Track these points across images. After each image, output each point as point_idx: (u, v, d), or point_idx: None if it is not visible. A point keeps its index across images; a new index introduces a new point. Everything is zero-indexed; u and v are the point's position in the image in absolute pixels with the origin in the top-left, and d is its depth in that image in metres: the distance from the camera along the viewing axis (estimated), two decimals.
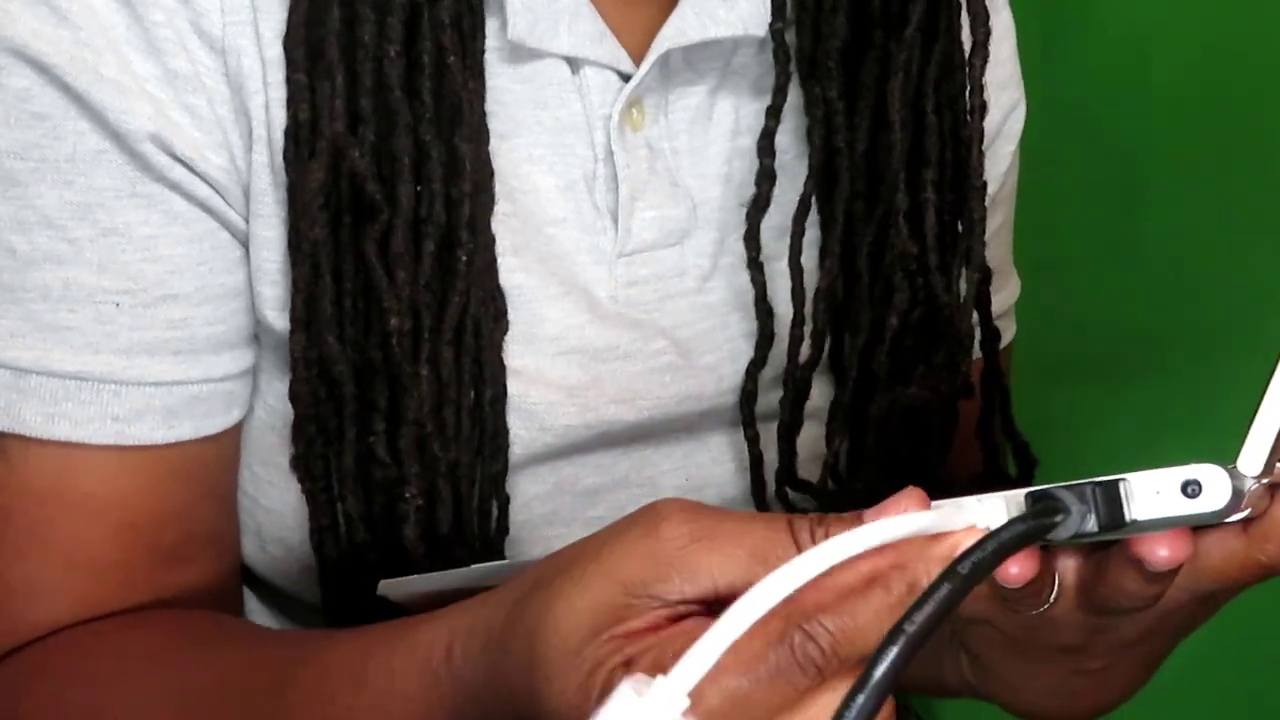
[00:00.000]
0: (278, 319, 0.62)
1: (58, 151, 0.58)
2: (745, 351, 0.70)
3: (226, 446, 0.64)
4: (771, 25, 0.68)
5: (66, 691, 0.61)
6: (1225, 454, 1.07)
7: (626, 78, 0.66)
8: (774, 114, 0.69)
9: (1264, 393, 0.48)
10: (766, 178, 0.69)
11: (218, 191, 0.61)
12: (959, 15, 0.68)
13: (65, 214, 0.59)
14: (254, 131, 0.61)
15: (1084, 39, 1.13)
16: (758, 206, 0.69)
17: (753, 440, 0.70)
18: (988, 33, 0.68)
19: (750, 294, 0.70)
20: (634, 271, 0.67)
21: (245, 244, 0.62)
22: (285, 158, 0.60)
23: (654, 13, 0.66)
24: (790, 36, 0.69)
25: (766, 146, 0.69)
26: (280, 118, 0.60)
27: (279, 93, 0.60)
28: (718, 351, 0.70)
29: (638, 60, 0.66)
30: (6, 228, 0.59)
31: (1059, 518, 0.45)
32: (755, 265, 0.69)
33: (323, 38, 0.60)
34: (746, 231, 0.69)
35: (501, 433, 0.64)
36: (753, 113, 0.70)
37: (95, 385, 0.60)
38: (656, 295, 0.68)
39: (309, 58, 0.60)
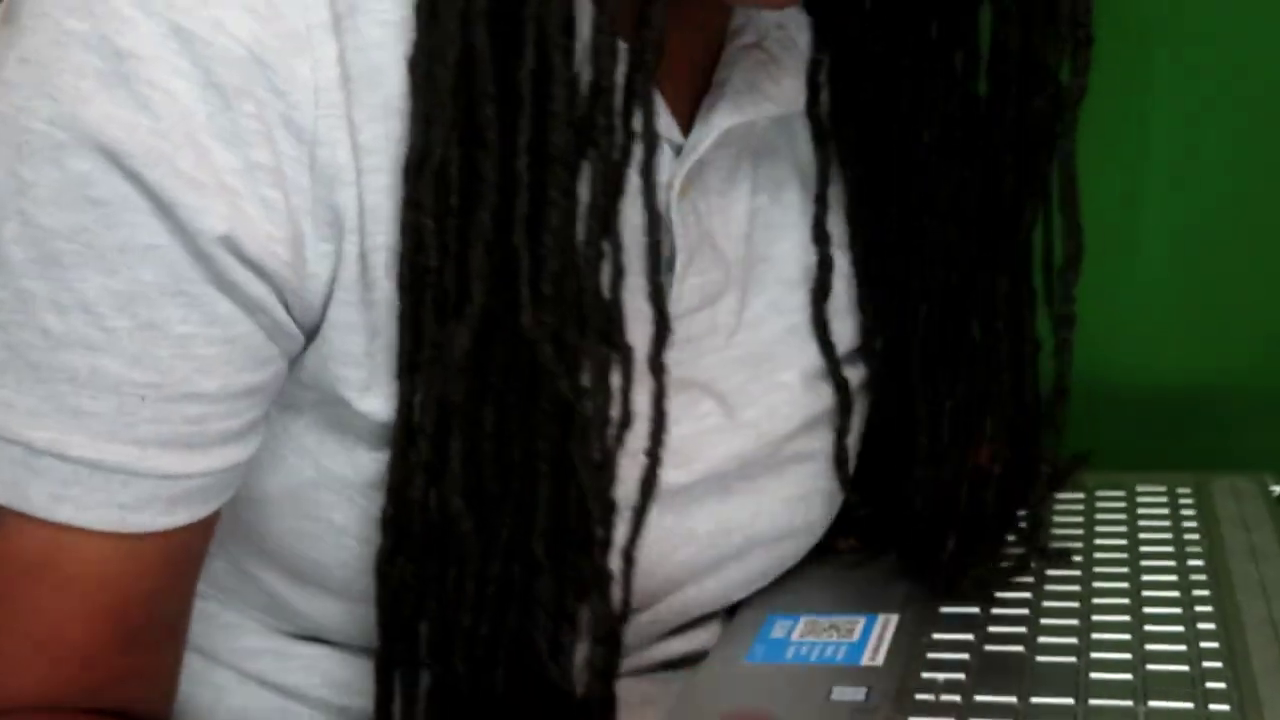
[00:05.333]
0: (359, 398, 0.62)
1: (107, 240, 0.56)
2: (779, 405, 0.73)
3: (210, 528, 0.64)
4: (808, 108, 0.71)
5: None
6: (1221, 452, 1.07)
7: (675, 148, 0.68)
8: (821, 200, 0.72)
9: None
10: (826, 267, 0.73)
11: (275, 289, 0.59)
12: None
13: (105, 302, 0.56)
14: (344, 224, 0.59)
15: None
16: (822, 292, 0.71)
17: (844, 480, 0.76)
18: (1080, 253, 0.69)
19: (770, 347, 0.73)
20: (677, 333, 0.68)
21: (285, 339, 0.61)
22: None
23: (700, 86, 0.69)
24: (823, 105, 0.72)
25: (821, 235, 0.73)
26: (378, 205, 0.59)
27: (376, 179, 0.59)
28: (755, 406, 0.72)
29: (684, 131, 0.68)
30: (42, 306, 0.56)
31: None
32: (826, 344, 0.72)
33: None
34: (814, 316, 0.71)
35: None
36: (766, 170, 0.73)
37: (106, 474, 0.58)
38: (692, 355, 0.70)
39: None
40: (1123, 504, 0.88)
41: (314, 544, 0.66)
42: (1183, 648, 0.69)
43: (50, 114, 0.55)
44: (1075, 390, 0.71)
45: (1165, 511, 0.86)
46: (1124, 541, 0.83)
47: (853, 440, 0.77)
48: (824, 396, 0.75)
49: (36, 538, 0.59)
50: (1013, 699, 0.66)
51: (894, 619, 0.74)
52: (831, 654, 0.71)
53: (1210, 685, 0.66)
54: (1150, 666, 0.68)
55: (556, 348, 0.58)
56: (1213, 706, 0.64)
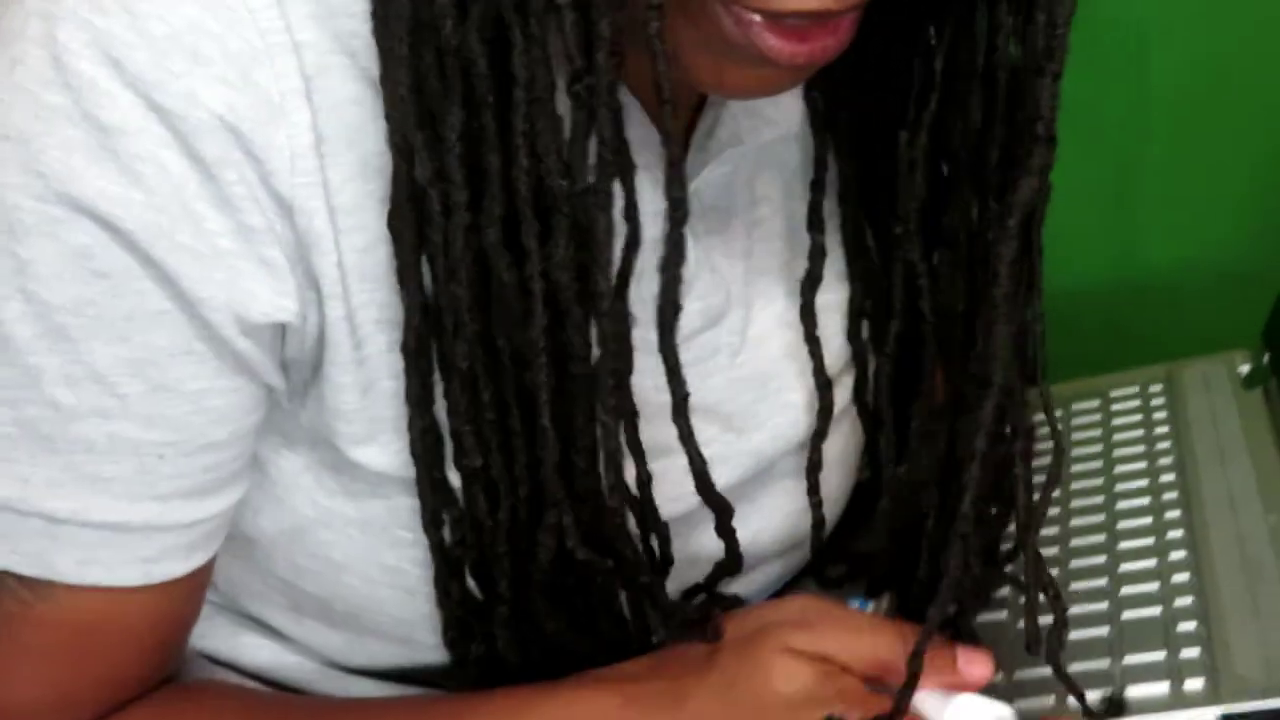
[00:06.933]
0: (353, 449, 0.62)
1: (115, 309, 0.56)
2: (784, 426, 0.72)
3: (215, 556, 0.65)
4: (806, 93, 0.69)
5: None
6: (1196, 336, 1.05)
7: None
8: (818, 187, 0.71)
9: None
10: (819, 253, 0.72)
11: (269, 351, 0.59)
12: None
13: (117, 370, 0.56)
14: (323, 289, 0.58)
15: (1084, 39, 1.13)
16: (811, 282, 0.71)
17: (816, 505, 0.74)
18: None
19: (777, 363, 0.72)
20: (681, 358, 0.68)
21: (273, 391, 0.62)
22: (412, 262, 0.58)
23: (692, 100, 0.67)
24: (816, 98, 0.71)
25: (816, 221, 0.71)
26: (359, 264, 0.59)
27: (355, 239, 0.58)
28: (762, 430, 0.71)
29: None
30: (51, 381, 0.56)
31: None
32: (812, 339, 0.71)
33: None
34: (803, 307, 0.71)
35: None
36: (764, 182, 0.71)
37: (130, 533, 0.59)
38: (697, 377, 0.67)
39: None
40: (1097, 417, 0.90)
41: (314, 580, 0.67)
42: (1154, 586, 0.72)
43: (41, 190, 0.54)
44: (1056, 288, 0.70)
45: (1139, 419, 0.87)
46: (1099, 465, 0.85)
47: (837, 449, 0.76)
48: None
49: (85, 600, 0.60)
50: (996, 676, 0.68)
51: (884, 601, 0.76)
52: None
53: (1181, 628, 0.68)
54: (1126, 615, 0.70)
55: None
56: (1183, 654, 0.66)
